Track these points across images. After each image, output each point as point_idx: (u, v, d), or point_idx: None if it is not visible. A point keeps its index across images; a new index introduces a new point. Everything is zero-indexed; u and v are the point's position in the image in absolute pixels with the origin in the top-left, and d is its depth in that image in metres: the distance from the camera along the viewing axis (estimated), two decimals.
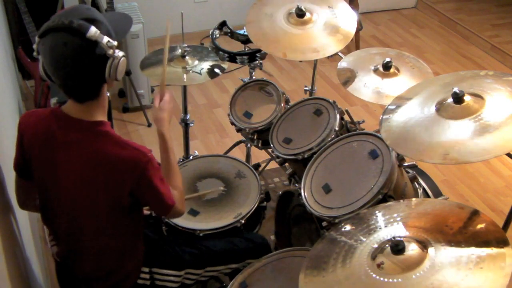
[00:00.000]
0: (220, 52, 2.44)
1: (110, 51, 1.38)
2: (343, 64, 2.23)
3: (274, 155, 2.20)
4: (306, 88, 2.72)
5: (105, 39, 1.36)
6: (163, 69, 1.77)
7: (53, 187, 1.52)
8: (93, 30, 1.34)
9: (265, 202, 2.12)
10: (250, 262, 1.87)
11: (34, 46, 1.41)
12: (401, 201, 1.51)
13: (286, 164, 2.17)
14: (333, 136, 1.94)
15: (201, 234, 1.93)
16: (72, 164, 1.46)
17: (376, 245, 1.30)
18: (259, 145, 2.32)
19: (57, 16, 1.37)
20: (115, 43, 1.39)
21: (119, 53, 1.41)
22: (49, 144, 1.48)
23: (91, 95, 1.45)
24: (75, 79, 1.40)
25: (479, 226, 1.24)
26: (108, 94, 1.55)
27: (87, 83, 1.42)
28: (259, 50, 2.47)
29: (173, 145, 1.67)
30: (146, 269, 1.70)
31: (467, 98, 1.47)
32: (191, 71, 2.30)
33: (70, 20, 1.34)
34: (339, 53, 2.84)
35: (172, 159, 1.65)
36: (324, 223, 1.72)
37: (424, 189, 1.98)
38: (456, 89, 1.46)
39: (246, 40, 2.53)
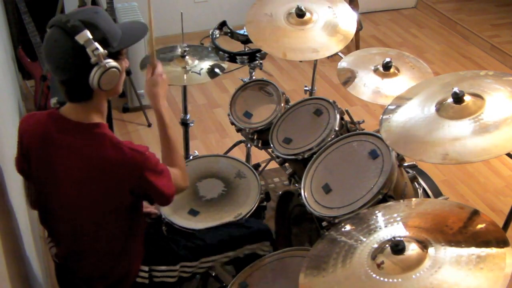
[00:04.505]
0: (220, 52, 2.44)
1: (94, 59, 1.35)
2: (343, 64, 2.23)
3: (274, 155, 2.20)
4: (306, 88, 2.72)
5: (93, 45, 1.34)
6: (151, 38, 1.68)
7: (53, 189, 1.52)
8: (83, 34, 1.33)
9: (265, 202, 2.12)
10: (248, 248, 1.86)
11: None
12: (401, 201, 1.51)
13: (286, 164, 2.17)
14: (333, 136, 1.94)
15: None
16: (71, 166, 1.46)
17: (376, 245, 1.30)
18: (259, 145, 2.32)
19: (67, 13, 1.39)
20: (104, 51, 1.36)
21: (109, 63, 1.38)
22: (47, 147, 1.48)
23: (81, 97, 1.44)
24: (62, 76, 1.40)
25: (479, 226, 1.24)
26: None
27: (74, 84, 1.41)
28: (259, 50, 2.47)
29: (171, 122, 1.64)
30: (146, 268, 1.70)
31: (467, 98, 1.47)
32: (190, 71, 2.30)
33: (67, 19, 1.35)
34: (339, 53, 2.84)
35: (171, 135, 1.63)
36: (324, 223, 1.71)
37: (424, 189, 1.98)
38: (456, 89, 1.46)
39: (246, 40, 2.53)
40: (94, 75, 1.37)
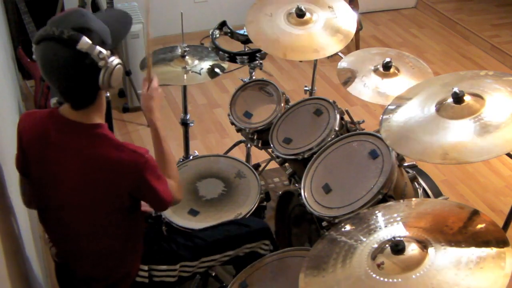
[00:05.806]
0: (220, 52, 2.44)
1: (102, 62, 1.36)
2: (343, 64, 2.23)
3: (274, 155, 2.20)
4: (306, 88, 2.72)
5: (97, 50, 1.34)
6: (148, 52, 1.75)
7: (51, 188, 1.52)
8: (83, 42, 1.32)
9: (265, 202, 2.12)
10: (247, 247, 1.86)
11: (33, 50, 1.40)
12: (401, 201, 1.51)
13: (286, 164, 2.17)
14: (333, 136, 1.94)
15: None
16: (70, 166, 1.46)
17: (376, 245, 1.30)
18: (259, 145, 2.32)
19: (50, 23, 1.36)
20: (107, 52, 1.36)
21: (114, 62, 1.39)
22: (46, 146, 1.47)
23: (86, 102, 1.44)
24: (67, 87, 1.39)
25: (479, 226, 1.24)
26: (108, 94, 1.54)
27: (80, 92, 1.41)
28: (259, 50, 2.47)
29: (165, 134, 1.68)
30: (145, 267, 1.70)
31: (467, 98, 1.47)
32: (190, 71, 2.30)
33: (61, 31, 1.32)
34: (339, 53, 2.84)
35: (165, 148, 1.66)
36: (324, 223, 1.72)
37: (424, 189, 1.98)
38: (456, 89, 1.46)
39: (246, 40, 2.53)
40: (103, 77, 1.38)
